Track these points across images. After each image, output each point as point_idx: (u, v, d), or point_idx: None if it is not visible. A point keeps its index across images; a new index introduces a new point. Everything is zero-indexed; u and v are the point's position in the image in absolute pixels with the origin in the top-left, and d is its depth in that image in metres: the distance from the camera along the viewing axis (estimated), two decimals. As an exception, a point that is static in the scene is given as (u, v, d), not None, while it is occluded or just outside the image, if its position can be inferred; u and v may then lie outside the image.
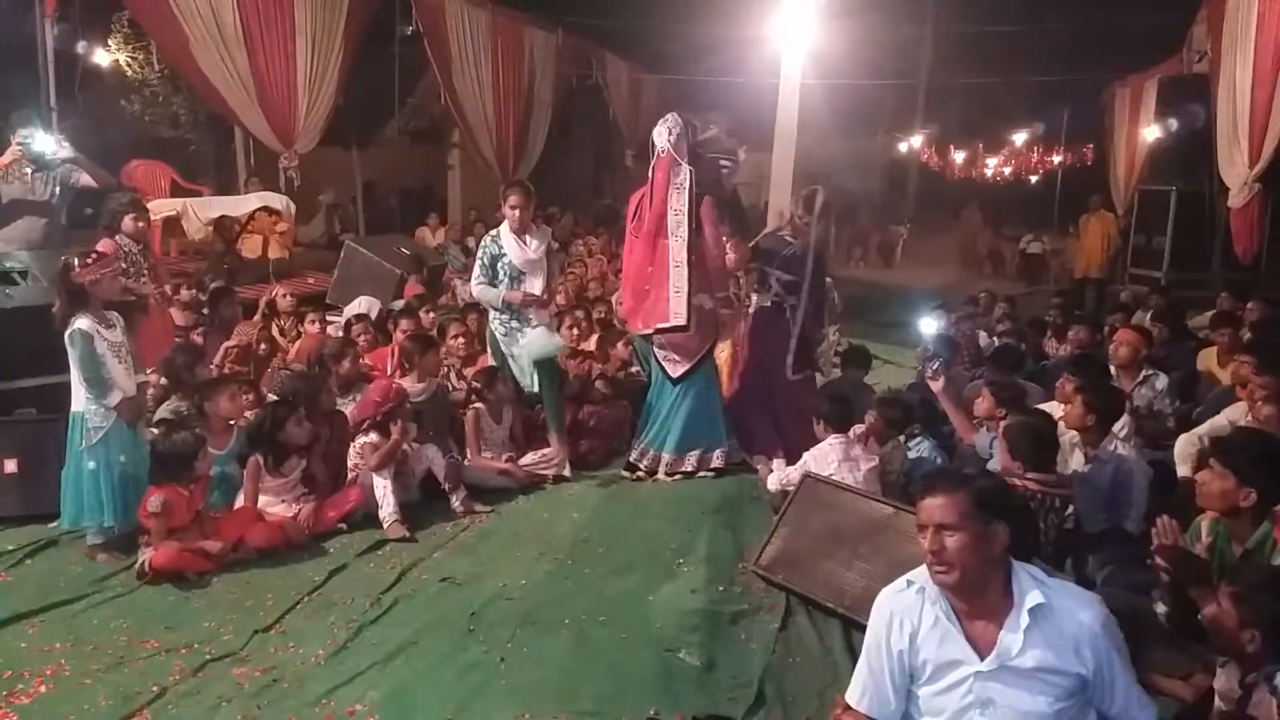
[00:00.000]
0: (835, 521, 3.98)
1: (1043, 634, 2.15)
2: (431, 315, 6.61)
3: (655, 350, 5.56)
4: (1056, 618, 2.15)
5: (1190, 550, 3.15)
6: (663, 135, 5.17)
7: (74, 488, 4.27)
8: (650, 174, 5.26)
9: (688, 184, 5.16)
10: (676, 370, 5.45)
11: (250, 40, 9.52)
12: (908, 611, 2.27)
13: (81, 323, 4.12)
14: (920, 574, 2.30)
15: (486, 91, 13.34)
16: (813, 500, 4.14)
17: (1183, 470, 4.93)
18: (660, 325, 5.32)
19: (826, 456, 4.49)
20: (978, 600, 2.21)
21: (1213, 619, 2.64)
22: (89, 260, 4.24)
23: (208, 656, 3.36)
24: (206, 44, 9.19)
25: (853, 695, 2.35)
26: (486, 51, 13.15)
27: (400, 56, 12.64)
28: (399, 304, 7.46)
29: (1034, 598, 2.16)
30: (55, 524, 4.45)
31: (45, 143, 5.97)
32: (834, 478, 4.31)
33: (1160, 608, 3.15)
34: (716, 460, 5.51)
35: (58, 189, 6.14)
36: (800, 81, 11.41)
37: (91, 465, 4.21)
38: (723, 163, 5.84)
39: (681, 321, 5.23)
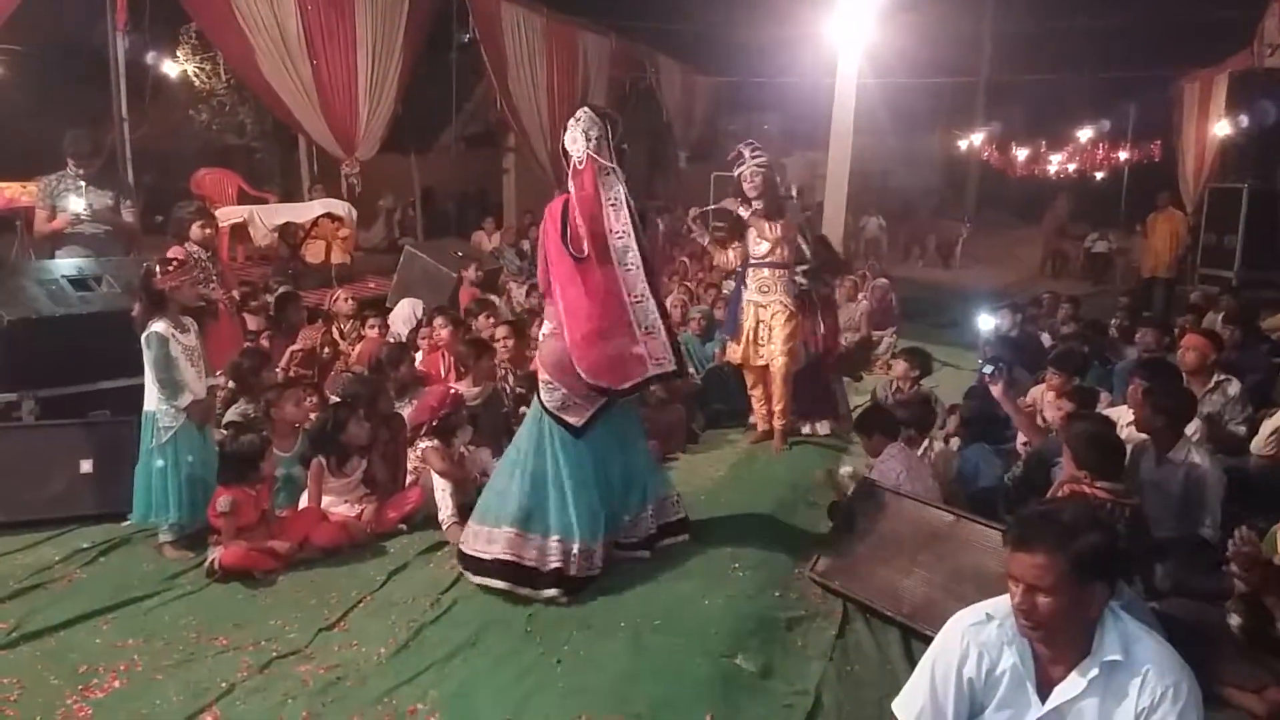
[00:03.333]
0: (894, 528, 3.93)
1: (1107, 691, 2.05)
2: (491, 320, 6.67)
3: (542, 400, 4.14)
4: (1129, 679, 2.04)
5: (1268, 560, 3.06)
6: (578, 140, 4.03)
7: (144, 485, 4.41)
8: (573, 187, 4.06)
9: (624, 199, 4.03)
10: (579, 418, 4.08)
11: (313, 51, 9.71)
12: (987, 647, 2.19)
13: (158, 326, 4.27)
14: (999, 608, 2.21)
15: (541, 96, 13.45)
16: (871, 507, 4.10)
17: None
18: (636, 380, 4.03)
19: (891, 468, 4.42)
20: (1059, 650, 2.13)
21: (1290, 632, 2.56)
22: (170, 267, 4.39)
23: (274, 654, 3.44)
24: (271, 54, 9.41)
25: (907, 712, 2.28)
26: (541, 56, 13.25)
27: (457, 64, 12.81)
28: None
29: (1112, 652, 2.06)
30: (128, 522, 4.60)
31: (77, 203, 6.04)
32: (903, 487, 4.25)
33: (1234, 619, 3.05)
34: (674, 510, 4.46)
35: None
36: (857, 80, 11.33)
37: (160, 464, 4.35)
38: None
39: (671, 366, 4.10)
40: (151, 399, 4.35)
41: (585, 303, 3.95)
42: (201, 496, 4.35)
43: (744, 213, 5.90)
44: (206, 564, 4.15)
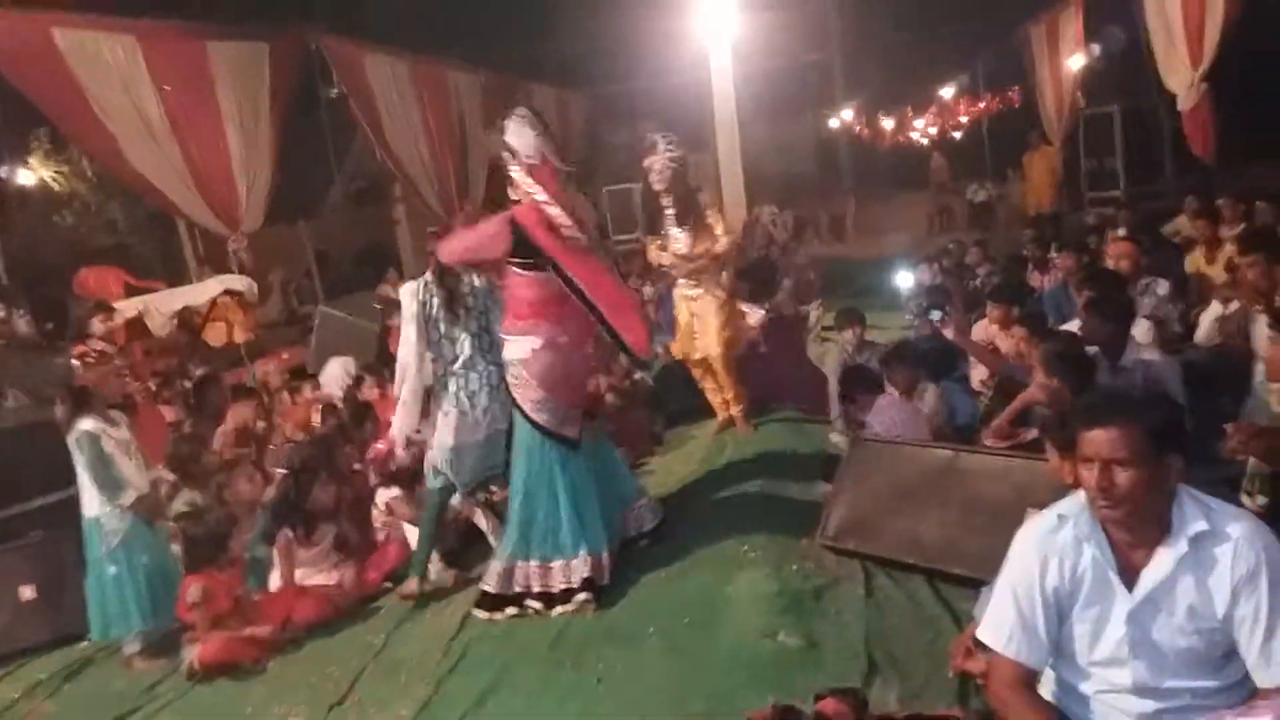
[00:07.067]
0: (896, 477, 3.87)
1: (1198, 565, 2.01)
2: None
3: (537, 421, 3.98)
4: (1217, 547, 2.00)
5: (1267, 427, 3.10)
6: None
7: (98, 598, 4.09)
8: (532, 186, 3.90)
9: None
10: (575, 430, 4.06)
11: (179, 131, 9.32)
12: (1065, 550, 2.12)
13: (86, 424, 3.95)
14: (1069, 507, 2.16)
15: (420, 140, 13.23)
16: (866, 461, 4.03)
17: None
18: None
19: (892, 417, 4.41)
20: (1139, 531, 2.07)
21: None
22: (90, 359, 4.08)
23: (288, 741, 3.19)
24: (136, 142, 8.97)
25: (997, 639, 2.17)
26: (413, 101, 13.04)
27: (329, 120, 12.51)
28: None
29: (1196, 525, 2.01)
30: (85, 643, 4.24)
31: None
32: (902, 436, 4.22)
33: (1260, 500, 3.07)
34: (650, 518, 4.43)
35: None
36: (729, 72, 11.49)
37: (114, 570, 4.04)
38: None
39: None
40: (92, 504, 4.03)
41: (604, 278, 3.95)
42: (165, 595, 4.06)
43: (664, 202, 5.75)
44: (185, 666, 3.84)
